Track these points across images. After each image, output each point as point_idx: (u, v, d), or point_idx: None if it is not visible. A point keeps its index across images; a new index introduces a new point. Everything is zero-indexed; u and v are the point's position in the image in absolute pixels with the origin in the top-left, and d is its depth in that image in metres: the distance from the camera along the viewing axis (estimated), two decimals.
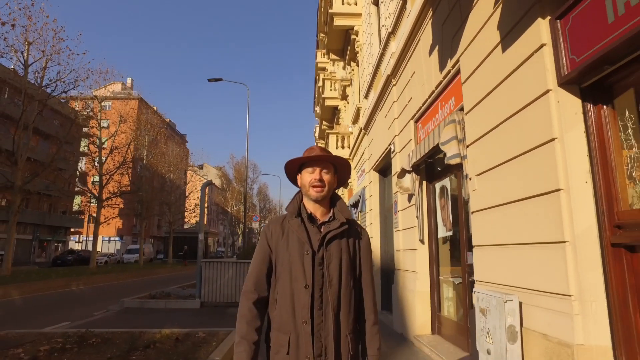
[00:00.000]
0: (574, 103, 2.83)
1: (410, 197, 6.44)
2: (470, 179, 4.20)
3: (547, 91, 2.90)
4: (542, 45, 2.96)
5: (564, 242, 2.71)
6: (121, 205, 29.10)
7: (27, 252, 36.05)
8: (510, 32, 3.39)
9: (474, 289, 3.69)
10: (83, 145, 27.69)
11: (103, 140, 23.94)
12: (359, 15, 12.08)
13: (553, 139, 2.84)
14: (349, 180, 15.54)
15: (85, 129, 26.69)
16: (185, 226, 47.87)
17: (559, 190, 2.77)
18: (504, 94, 3.51)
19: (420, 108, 6.07)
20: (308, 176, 1.78)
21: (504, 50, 3.50)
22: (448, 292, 5.63)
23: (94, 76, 22.99)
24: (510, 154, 3.37)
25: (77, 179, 24.04)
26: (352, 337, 1.74)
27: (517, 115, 3.28)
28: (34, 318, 8.38)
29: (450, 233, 5.44)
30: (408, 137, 6.68)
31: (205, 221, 46.92)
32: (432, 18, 5.47)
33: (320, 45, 26.90)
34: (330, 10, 12.20)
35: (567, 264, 2.68)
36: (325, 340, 1.67)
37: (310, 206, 1.81)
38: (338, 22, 12.12)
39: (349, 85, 15.18)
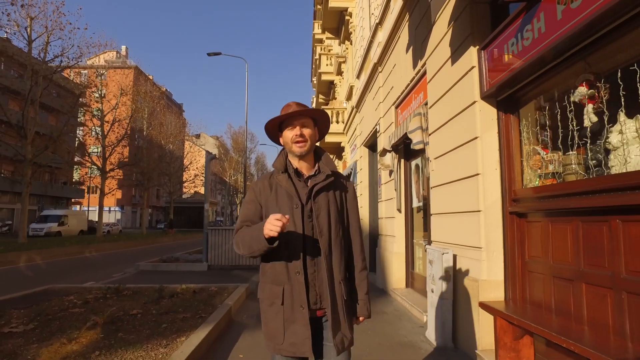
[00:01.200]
0: (491, 112, 3.98)
1: (390, 172, 7.64)
2: (430, 161, 5.38)
3: (474, 102, 4.04)
4: (472, 67, 4.08)
5: (479, 211, 3.93)
6: (121, 176, 30.21)
7: (32, 221, 37.51)
8: (455, 51, 4.48)
9: (426, 247, 4.95)
10: (80, 116, 28.49)
11: (105, 113, 24.85)
12: None
13: (476, 137, 4.00)
14: (343, 154, 16.70)
15: (81, 99, 27.52)
16: (184, 196, 49.25)
17: (477, 174, 3.97)
18: (451, 98, 4.64)
19: (399, 96, 7.17)
20: (289, 133, 1.87)
21: (452, 63, 4.60)
22: (419, 253, 6.91)
23: (94, 49, 23.60)
24: (453, 145, 4.54)
25: (83, 152, 24.94)
26: (345, 284, 1.87)
27: (457, 116, 4.43)
28: (62, 278, 9.69)
29: (421, 204, 6.66)
30: (390, 120, 7.80)
31: (202, 190, 47.87)
32: (409, 21, 6.49)
33: (317, 16, 27.31)
34: None
35: (480, 226, 3.91)
36: (319, 289, 1.80)
37: (295, 162, 1.90)
38: (333, 3, 12.95)
39: (344, 62, 16.06)
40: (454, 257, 4.39)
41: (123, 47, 62.26)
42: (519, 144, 3.83)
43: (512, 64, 3.52)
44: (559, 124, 3.25)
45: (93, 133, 26.48)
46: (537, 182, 3.62)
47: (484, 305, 3.68)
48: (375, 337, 4.73)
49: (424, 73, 5.81)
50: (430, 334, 4.55)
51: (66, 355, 3.62)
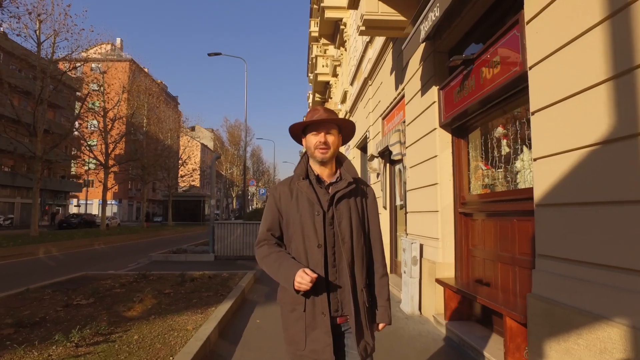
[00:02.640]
0: (447, 136, 5.37)
1: (377, 175, 9.03)
2: (406, 169, 6.78)
3: (435, 129, 5.43)
4: (434, 102, 5.46)
5: (437, 211, 5.34)
6: (122, 171, 31.42)
7: (31, 215, 38.72)
8: (423, 86, 5.86)
9: (401, 237, 6.37)
10: (78, 109, 29.50)
11: (107, 109, 26.06)
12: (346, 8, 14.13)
13: (436, 155, 5.40)
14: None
15: (80, 94, 28.63)
16: (179, 190, 50.51)
17: (436, 183, 5.37)
18: (420, 122, 6.02)
19: (386, 110, 8.54)
20: (313, 139, 1.87)
21: (421, 95, 5.98)
22: (400, 244, 8.33)
23: (91, 43, 24.51)
24: (421, 159, 5.93)
25: (79, 147, 26.13)
26: (367, 291, 1.90)
27: (424, 137, 5.82)
28: (85, 267, 11.03)
29: (402, 202, 8.06)
30: (377, 130, 9.18)
31: (198, 184, 48.86)
32: (392, 48, 7.83)
33: (313, 14, 28.44)
34: (322, 4, 14.26)
35: (437, 222, 5.32)
36: (340, 296, 1.81)
37: (317, 168, 1.91)
38: (329, 14, 14.22)
39: (339, 66, 17.36)
40: (421, 246, 5.81)
41: (118, 40, 62.98)
42: (467, 161, 5.22)
43: (459, 105, 4.90)
44: (490, 149, 4.65)
45: (91, 127, 27.51)
46: (479, 191, 5.02)
47: (438, 281, 5.10)
48: None
49: (403, 96, 7.17)
50: (404, 306, 5.99)
51: (131, 318, 5.00)
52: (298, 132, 1.96)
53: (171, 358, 3.67)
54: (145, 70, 46.82)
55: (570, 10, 2.79)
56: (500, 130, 4.36)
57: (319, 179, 1.91)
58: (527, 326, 3.23)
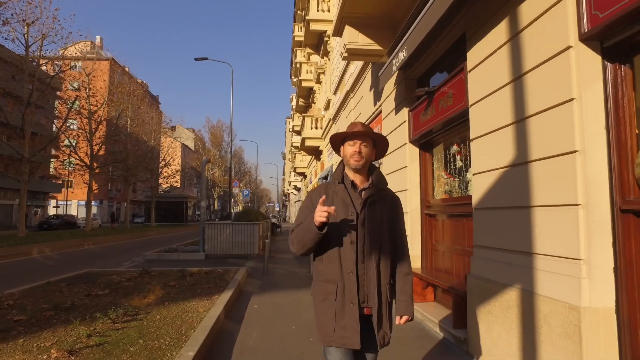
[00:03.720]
0: (415, 150, 6.49)
1: None
2: None
3: (405, 144, 6.56)
4: (404, 121, 6.59)
5: (407, 212, 6.47)
6: (106, 172, 31.84)
7: (9, 216, 38.69)
8: (396, 106, 6.98)
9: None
10: (59, 107, 29.72)
11: (93, 111, 26.54)
12: (331, 21, 15.21)
13: (406, 166, 6.52)
14: (322, 156, 19.16)
15: (58, 92, 28.97)
16: (160, 190, 50.78)
17: (406, 189, 6.49)
18: (394, 136, 7.13)
19: (365, 122, 9.65)
20: (349, 148, 2.14)
21: (395, 114, 7.10)
22: None
23: (68, 41, 24.75)
24: (394, 168, 7.06)
25: (58, 146, 26.43)
26: (390, 286, 2.17)
27: (397, 150, 6.94)
28: (83, 265, 11.81)
29: None
30: None
31: (179, 184, 49.08)
32: (372, 68, 8.94)
33: (297, 18, 29.46)
34: (307, 17, 15.32)
35: (407, 222, 6.45)
36: (367, 288, 2.08)
37: (351, 174, 2.18)
38: (313, 27, 15.28)
39: (322, 74, 18.45)
40: None
41: (97, 38, 62.72)
42: (432, 171, 6.36)
43: (424, 125, 6.03)
44: (449, 162, 5.79)
45: (72, 127, 27.77)
46: (441, 195, 6.15)
47: None
48: None
49: (381, 111, 8.29)
50: None
51: (148, 304, 5.97)
52: (338, 141, 2.24)
53: (192, 331, 4.67)
54: (126, 69, 47.05)
55: (492, 70, 3.93)
56: (455, 148, 5.51)
57: (353, 184, 2.18)
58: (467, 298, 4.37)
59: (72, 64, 26.78)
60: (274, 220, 30.11)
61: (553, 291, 3.02)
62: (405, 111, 6.63)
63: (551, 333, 2.98)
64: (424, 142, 6.36)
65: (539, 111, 3.25)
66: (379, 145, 2.24)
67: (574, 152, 2.90)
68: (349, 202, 2.12)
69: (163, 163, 37.37)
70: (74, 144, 26.59)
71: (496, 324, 3.71)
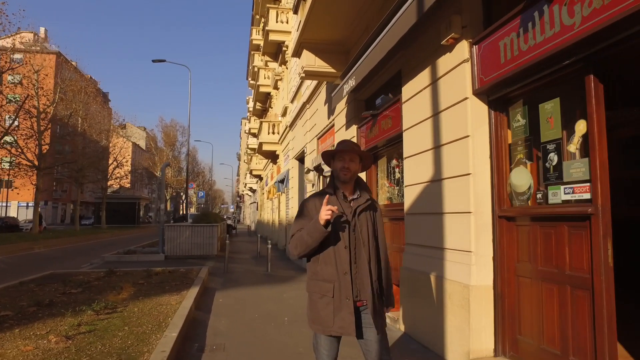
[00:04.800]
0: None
1: (312, 185, 11.17)
2: None
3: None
4: (353, 136, 7.66)
5: None
6: (53, 173, 31.01)
7: None
8: (347, 122, 8.05)
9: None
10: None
11: (42, 109, 25.91)
12: (290, 32, 16.15)
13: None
14: (278, 160, 20.05)
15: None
16: (109, 191, 49.47)
17: None
18: None
19: (320, 132, 10.68)
20: (339, 163, 2.49)
21: (346, 129, 8.16)
22: None
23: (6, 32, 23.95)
24: None
25: (15, 147, 25.53)
26: (378, 283, 2.53)
27: None
28: (40, 269, 12.03)
29: None
30: (313, 147, 11.32)
31: (129, 185, 48.08)
32: (326, 85, 9.98)
33: (255, 22, 30.09)
34: (266, 28, 16.17)
35: None
36: (359, 286, 2.42)
37: (340, 185, 2.52)
38: (272, 37, 16.15)
39: (280, 80, 19.33)
40: None
41: (42, 29, 60.08)
42: (377, 180, 7.46)
43: (371, 141, 7.12)
44: (390, 173, 6.90)
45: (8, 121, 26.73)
46: (385, 201, 7.26)
47: None
48: (301, 291, 8.27)
49: (333, 125, 9.34)
50: None
51: (123, 299, 6.68)
52: (328, 157, 2.59)
53: (170, 319, 5.48)
54: (74, 64, 45.58)
55: (419, 105, 5.06)
56: (394, 162, 6.64)
57: (344, 195, 2.51)
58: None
59: (13, 55, 25.82)
60: (229, 222, 30.59)
61: (454, 275, 4.16)
62: (354, 128, 7.70)
63: (452, 305, 4.11)
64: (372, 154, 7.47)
65: (448, 142, 4.39)
66: (364, 160, 2.65)
67: (469, 174, 4.05)
68: (341, 211, 2.43)
69: (115, 163, 36.75)
70: (10, 140, 25.60)
71: (419, 304, 4.83)
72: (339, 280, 2.40)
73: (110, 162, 36.76)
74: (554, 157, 3.43)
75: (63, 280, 8.51)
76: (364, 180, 7.03)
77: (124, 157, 38.49)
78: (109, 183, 38.38)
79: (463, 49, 4.20)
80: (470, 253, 4.01)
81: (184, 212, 56.91)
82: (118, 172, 37.92)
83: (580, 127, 3.18)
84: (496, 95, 3.98)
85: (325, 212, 2.27)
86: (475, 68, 4.07)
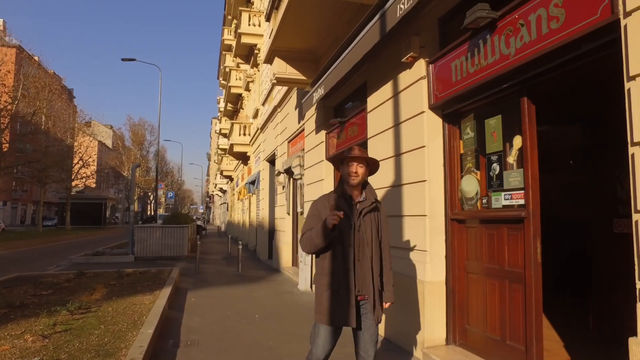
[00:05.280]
0: (330, 166, 7.97)
1: (283, 187, 11.49)
2: (304, 185, 9.31)
3: (322, 160, 8.01)
4: (322, 142, 8.04)
5: None
6: (14, 172, 30.03)
7: None
8: (316, 128, 8.42)
9: (299, 236, 8.90)
10: None
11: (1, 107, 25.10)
12: (262, 35, 16.39)
13: (322, 179, 7.98)
14: (249, 162, 20.24)
15: None
16: (73, 191, 47.99)
17: None
18: (314, 153, 8.57)
19: (291, 136, 11.02)
20: (348, 168, 2.68)
21: (315, 133, 8.53)
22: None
23: None
24: (312, 180, 8.49)
25: None
26: (378, 279, 2.74)
27: (315, 165, 8.39)
28: (5, 271, 11.87)
29: (302, 210, 10.59)
30: (284, 150, 11.64)
31: (94, 185, 46.86)
32: (297, 91, 10.32)
33: (226, 22, 30.09)
34: (238, 30, 16.36)
35: None
36: (362, 281, 2.64)
37: (348, 188, 2.72)
38: (244, 40, 16.36)
39: (252, 82, 19.53)
40: None
41: (0, 21, 57.82)
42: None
43: (338, 147, 7.51)
44: None
45: None
46: None
47: None
48: (271, 290, 8.57)
49: (303, 129, 9.69)
50: (300, 286, 8.50)
51: (96, 300, 6.81)
52: (338, 161, 2.84)
53: (144, 317, 5.69)
54: (36, 58, 44.13)
55: (382, 115, 5.48)
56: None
57: (350, 197, 2.72)
58: None
59: None
60: (199, 222, 30.43)
61: (411, 272, 4.59)
62: (323, 133, 8.08)
63: (411, 299, 4.53)
64: (336, 161, 7.86)
65: (407, 151, 4.82)
66: (371, 165, 2.81)
67: (424, 180, 4.49)
68: (348, 213, 2.65)
69: (81, 163, 35.86)
70: None
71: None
72: (344, 275, 2.61)
73: (75, 161, 35.83)
74: (496, 167, 3.90)
75: (32, 282, 8.52)
76: (332, 186, 7.31)
77: (90, 157, 37.60)
78: (73, 183, 37.39)
79: (421, 67, 4.63)
80: (425, 252, 4.44)
81: (152, 213, 56.03)
82: (84, 172, 37.01)
83: (517, 141, 3.66)
84: (449, 110, 4.43)
85: (332, 217, 2.49)
86: (431, 85, 4.51)
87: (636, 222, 2.35)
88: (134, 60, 22.12)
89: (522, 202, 3.57)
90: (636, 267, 2.34)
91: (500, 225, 3.83)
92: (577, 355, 4.05)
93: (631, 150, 2.38)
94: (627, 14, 2.39)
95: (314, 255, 7.91)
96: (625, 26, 2.40)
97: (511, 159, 3.74)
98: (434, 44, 4.63)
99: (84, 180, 37.87)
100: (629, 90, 2.39)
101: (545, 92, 3.78)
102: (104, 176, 57.37)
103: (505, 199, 3.79)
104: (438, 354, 4.16)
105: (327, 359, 2.74)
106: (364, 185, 2.80)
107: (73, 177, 35.50)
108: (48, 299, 6.86)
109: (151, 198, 62.10)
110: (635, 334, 2.32)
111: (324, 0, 6.33)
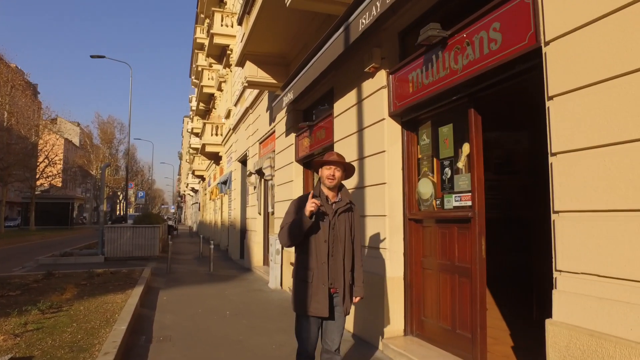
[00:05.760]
0: (300, 168, 8.26)
1: (254, 187, 11.70)
2: (275, 186, 9.56)
3: (292, 162, 8.29)
4: (292, 144, 8.32)
5: None
6: None
7: None
8: (287, 130, 8.69)
9: (269, 236, 9.14)
10: None
11: None
12: (234, 36, 16.51)
13: (292, 180, 8.26)
14: (221, 162, 20.29)
15: None
16: (38, 191, 46.35)
17: (292, 199, 8.22)
18: (284, 155, 8.83)
19: (262, 137, 11.24)
20: (326, 171, 2.93)
21: (285, 136, 8.80)
22: (274, 243, 11.10)
23: None
24: (282, 181, 8.76)
25: None
26: (350, 274, 3.00)
27: (285, 166, 8.66)
28: None
29: (272, 210, 10.84)
30: (255, 152, 11.85)
31: (60, 184, 45.41)
32: (268, 93, 10.55)
33: (199, 20, 29.91)
34: (211, 31, 16.43)
35: None
36: (334, 275, 2.88)
37: (326, 190, 2.97)
38: (217, 40, 16.44)
39: (224, 82, 19.59)
40: None
41: None
42: (312, 184, 8.15)
43: (308, 148, 7.80)
44: None
45: None
46: None
47: (291, 263, 7.94)
48: (242, 288, 8.79)
49: (274, 131, 9.94)
50: (270, 284, 8.75)
51: (67, 299, 6.88)
52: (317, 165, 3.04)
53: (117, 315, 5.84)
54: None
55: (347, 121, 5.80)
56: None
57: (327, 198, 2.97)
58: None
59: None
60: (170, 222, 30.16)
61: (374, 268, 4.92)
62: (292, 136, 8.36)
63: (374, 293, 4.85)
64: (306, 162, 8.15)
65: (369, 155, 5.16)
66: (347, 170, 3.06)
67: (384, 183, 4.83)
68: (324, 211, 2.89)
69: (47, 161, 34.85)
70: None
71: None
72: (318, 268, 2.84)
73: (41, 159, 34.81)
74: (448, 171, 4.28)
75: None
76: (301, 187, 7.62)
77: (56, 155, 36.58)
78: (38, 182, 36.31)
79: (382, 77, 4.98)
80: (385, 250, 4.79)
81: (122, 213, 54.87)
82: (50, 171, 35.99)
83: (465, 148, 4.04)
84: (407, 117, 4.79)
85: (310, 204, 2.72)
86: (391, 94, 4.86)
87: (554, 221, 2.73)
88: (103, 57, 21.78)
89: (469, 203, 3.95)
90: (554, 260, 2.73)
91: (452, 224, 4.20)
92: (520, 342, 4.48)
93: (550, 159, 2.77)
94: (547, 43, 2.77)
95: (283, 257, 8.14)
96: (546, 53, 2.78)
97: (460, 164, 4.12)
98: (394, 56, 4.98)
99: (50, 179, 36.75)
100: (548, 108, 2.77)
101: (491, 103, 4.17)
102: (71, 175, 55.82)
103: (455, 201, 4.17)
104: (396, 344, 4.51)
105: (314, 352, 2.93)
106: (340, 187, 3.04)
107: (38, 176, 34.46)
108: (17, 300, 6.88)
109: (120, 198, 60.87)
110: (551, 316, 2.71)
111: (293, 9, 6.59)
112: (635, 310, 2.25)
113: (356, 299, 3.07)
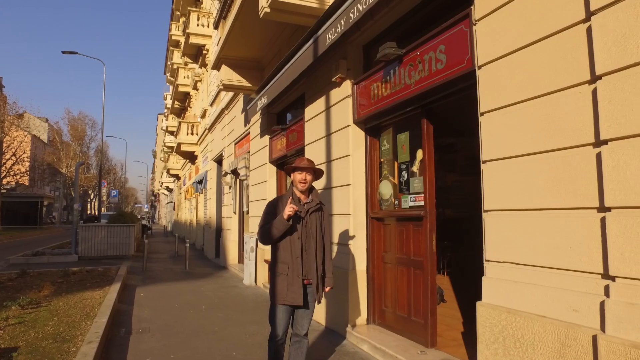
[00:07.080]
0: (274, 169, 8.67)
1: (229, 187, 12.05)
2: (250, 186, 9.95)
3: (266, 163, 8.70)
4: (265, 145, 8.73)
5: None
6: None
7: None
8: (261, 132, 9.09)
9: (244, 234, 9.52)
10: None
11: None
12: (211, 36, 16.74)
13: (266, 181, 8.67)
14: (197, 161, 20.47)
15: None
16: (4, 189, 45.21)
17: (265, 198, 8.64)
18: (259, 156, 9.22)
19: (238, 137, 11.59)
20: (298, 176, 3.26)
21: (260, 137, 9.19)
22: (248, 241, 11.47)
23: None
24: (257, 181, 9.16)
25: None
26: (321, 267, 3.33)
27: (260, 167, 9.05)
28: None
29: (247, 209, 11.21)
30: (231, 152, 12.19)
31: (27, 182, 44.38)
32: (243, 96, 10.91)
33: (174, 17, 29.80)
34: (187, 30, 16.62)
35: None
36: (308, 267, 3.21)
37: (297, 192, 3.30)
38: (193, 40, 16.63)
39: (200, 82, 19.77)
40: (256, 239, 9.02)
41: None
42: (285, 186, 8.58)
43: (280, 151, 8.21)
44: None
45: None
46: None
47: (265, 261, 8.36)
48: (218, 284, 9.15)
49: (249, 133, 10.32)
50: (245, 281, 9.14)
51: (45, 296, 7.12)
52: (290, 169, 3.38)
53: (97, 309, 6.15)
54: None
55: (316, 125, 6.25)
56: None
57: (299, 199, 3.30)
58: None
59: None
60: (144, 222, 30.05)
61: (339, 263, 5.40)
62: (267, 138, 8.77)
63: (341, 285, 5.31)
64: (280, 164, 8.57)
65: (336, 158, 5.63)
66: (316, 174, 3.41)
67: (349, 184, 5.31)
68: (298, 211, 3.19)
69: (14, 159, 34.15)
70: None
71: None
72: (293, 262, 3.16)
73: (8, 157, 34.10)
74: (405, 174, 4.78)
75: None
76: (275, 187, 8.07)
77: (24, 152, 35.83)
78: (5, 180, 35.53)
79: (347, 86, 5.45)
80: (350, 245, 5.27)
81: (94, 212, 53.93)
82: (18, 169, 35.26)
83: (419, 153, 4.54)
84: (370, 125, 5.28)
85: (289, 209, 3.05)
86: (355, 103, 5.34)
87: (484, 218, 3.25)
88: (75, 53, 21.61)
89: (422, 203, 4.46)
90: (484, 251, 3.25)
91: (408, 222, 4.71)
92: (469, 328, 5.03)
93: (482, 167, 3.29)
94: (479, 67, 3.29)
95: (257, 254, 8.49)
96: (478, 76, 3.30)
97: (415, 168, 4.62)
98: (358, 67, 5.47)
99: (17, 177, 35.97)
100: (480, 123, 3.29)
101: (441, 114, 4.69)
102: (40, 173, 54.55)
103: (411, 201, 4.67)
104: (360, 332, 4.99)
105: (285, 336, 3.29)
106: (311, 189, 3.41)
107: (4, 174, 33.75)
108: None
109: (92, 196, 59.79)
110: (481, 299, 3.23)
111: (267, 20, 7.01)
112: (539, 290, 2.78)
113: (327, 289, 3.41)
